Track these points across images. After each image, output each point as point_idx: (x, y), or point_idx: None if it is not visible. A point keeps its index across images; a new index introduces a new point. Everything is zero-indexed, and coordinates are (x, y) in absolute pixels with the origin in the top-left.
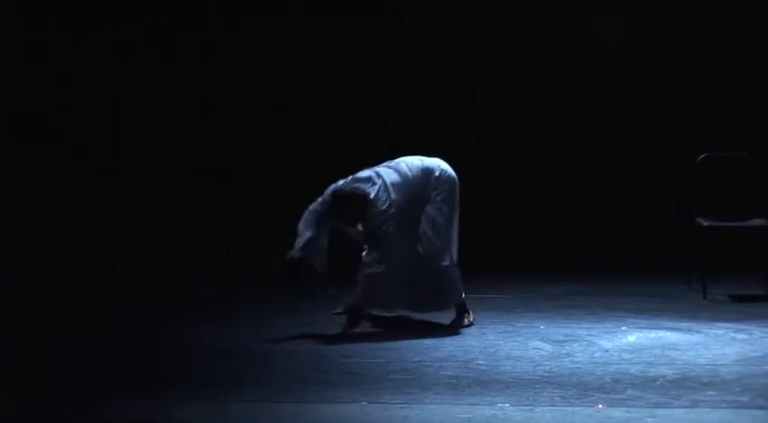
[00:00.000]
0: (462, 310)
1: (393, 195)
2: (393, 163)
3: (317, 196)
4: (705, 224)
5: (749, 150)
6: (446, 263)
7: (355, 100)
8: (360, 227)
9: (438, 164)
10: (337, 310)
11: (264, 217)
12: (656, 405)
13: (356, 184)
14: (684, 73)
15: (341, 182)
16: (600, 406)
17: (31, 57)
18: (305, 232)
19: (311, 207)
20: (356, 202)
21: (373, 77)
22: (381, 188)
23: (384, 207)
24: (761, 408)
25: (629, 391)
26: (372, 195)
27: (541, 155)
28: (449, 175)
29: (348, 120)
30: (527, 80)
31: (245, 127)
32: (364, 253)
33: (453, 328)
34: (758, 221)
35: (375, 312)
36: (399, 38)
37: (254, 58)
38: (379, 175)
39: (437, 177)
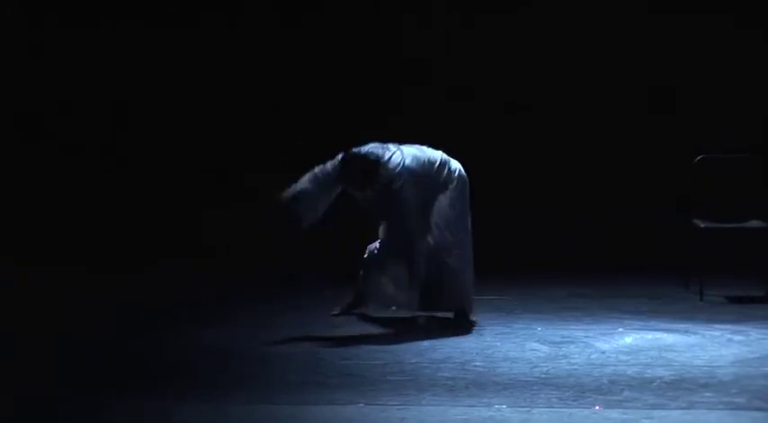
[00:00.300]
0: (461, 313)
1: (408, 162)
2: (414, 145)
3: None
4: (702, 226)
5: (749, 151)
6: (452, 260)
7: (354, 99)
8: (369, 191)
9: (456, 162)
10: (335, 312)
11: (264, 217)
12: (653, 406)
13: (371, 149)
14: (685, 73)
15: (355, 149)
16: (597, 407)
17: (31, 57)
18: (304, 184)
19: (321, 166)
20: (368, 165)
21: (373, 77)
22: (396, 154)
23: (397, 170)
24: (758, 409)
25: (626, 393)
26: (385, 158)
27: (541, 155)
28: (463, 175)
29: (347, 119)
30: (527, 80)
31: (245, 127)
32: (372, 247)
33: (450, 330)
34: (755, 223)
35: (374, 313)
36: (399, 38)
37: (253, 57)
38: (396, 146)
39: (452, 171)
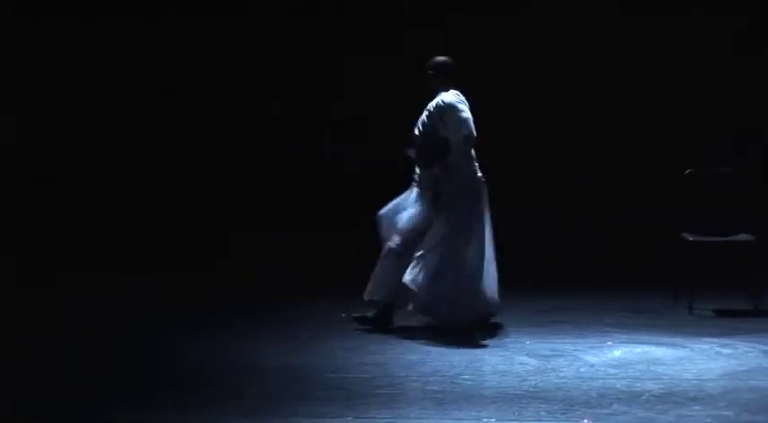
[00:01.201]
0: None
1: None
2: None
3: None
4: (691, 239)
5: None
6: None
7: (353, 98)
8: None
9: None
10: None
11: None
12: (642, 420)
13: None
14: (684, 75)
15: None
16: (585, 421)
17: (30, 56)
18: None
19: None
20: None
21: (373, 77)
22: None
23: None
24: (746, 422)
25: (615, 406)
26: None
27: (540, 156)
28: None
29: (347, 120)
30: (525, 80)
31: (246, 126)
32: None
33: (438, 342)
34: (743, 237)
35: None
36: (398, 38)
37: (253, 57)
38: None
39: None
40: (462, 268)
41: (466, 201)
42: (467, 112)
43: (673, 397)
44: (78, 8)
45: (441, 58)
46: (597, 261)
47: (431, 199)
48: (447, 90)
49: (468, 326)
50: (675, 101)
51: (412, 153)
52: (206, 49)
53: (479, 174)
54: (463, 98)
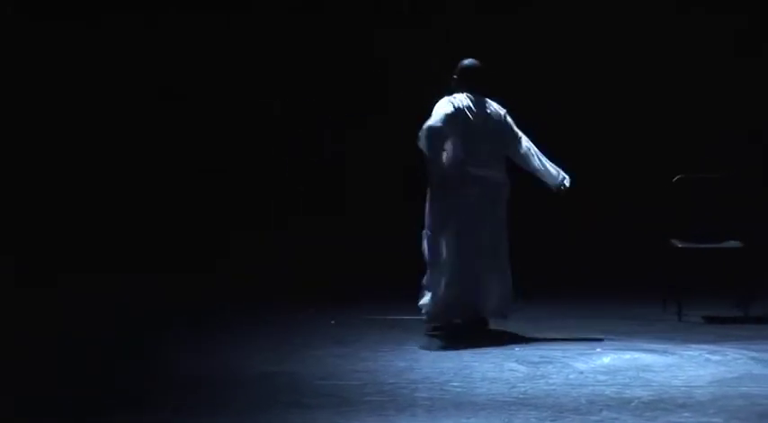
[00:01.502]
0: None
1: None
2: None
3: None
4: (680, 245)
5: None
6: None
7: (356, 99)
8: None
9: None
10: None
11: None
12: None
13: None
14: (686, 77)
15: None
16: None
17: (31, 57)
18: None
19: None
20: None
21: (373, 77)
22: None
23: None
24: None
25: (605, 413)
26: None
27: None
28: None
29: (347, 121)
30: (526, 80)
31: (246, 128)
32: None
33: (428, 349)
34: (733, 243)
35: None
36: (397, 38)
37: (252, 58)
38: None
39: None
40: (441, 267)
41: (438, 199)
42: (438, 110)
43: (662, 404)
44: (78, 8)
45: (465, 62)
46: (590, 266)
47: None
48: (452, 93)
49: (458, 329)
50: (675, 101)
51: None
52: (206, 49)
53: (478, 174)
54: (459, 102)
